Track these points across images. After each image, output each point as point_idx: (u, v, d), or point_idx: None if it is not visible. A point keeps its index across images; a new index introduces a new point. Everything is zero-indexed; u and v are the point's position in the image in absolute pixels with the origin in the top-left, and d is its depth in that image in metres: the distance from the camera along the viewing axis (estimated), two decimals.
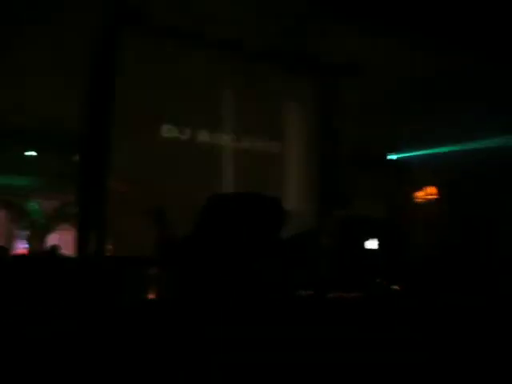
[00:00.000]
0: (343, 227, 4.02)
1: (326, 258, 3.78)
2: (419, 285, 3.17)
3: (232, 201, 3.68)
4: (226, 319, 2.86)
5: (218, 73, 7.09)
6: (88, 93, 6.28)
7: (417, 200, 9.18)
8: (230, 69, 7.14)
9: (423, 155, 8.67)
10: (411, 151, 8.93)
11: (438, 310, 2.94)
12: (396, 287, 3.40)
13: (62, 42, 6.75)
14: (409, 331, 2.88)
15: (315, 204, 4.68)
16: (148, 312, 3.77)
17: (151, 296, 4.78)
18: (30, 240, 13.16)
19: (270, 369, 2.64)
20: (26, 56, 7.09)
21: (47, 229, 13.42)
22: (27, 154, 11.00)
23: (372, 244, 3.78)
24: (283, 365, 2.69)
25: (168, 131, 6.83)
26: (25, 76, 7.51)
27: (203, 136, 7.02)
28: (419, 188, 9.22)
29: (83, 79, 6.32)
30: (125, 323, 3.02)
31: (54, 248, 5.36)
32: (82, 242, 6.00)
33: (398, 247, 4.04)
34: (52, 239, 13.38)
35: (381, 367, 2.97)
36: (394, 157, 9.19)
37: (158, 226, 3.58)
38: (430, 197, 9.06)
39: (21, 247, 12.72)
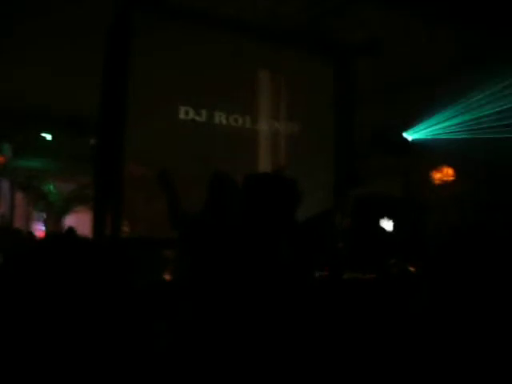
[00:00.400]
0: (358, 207, 4.01)
1: (342, 238, 3.78)
2: (435, 266, 3.16)
3: (250, 181, 3.68)
4: (242, 298, 2.88)
5: (234, 54, 7.06)
6: (103, 77, 6.30)
7: (434, 181, 9.12)
8: (245, 50, 7.10)
9: (440, 137, 8.62)
10: (428, 132, 8.87)
11: (453, 293, 2.93)
12: (412, 268, 3.40)
13: (77, 26, 6.77)
14: (422, 311, 2.88)
15: (332, 184, 4.68)
16: (163, 293, 3.80)
17: (167, 277, 4.81)
18: (46, 222, 13.30)
19: (284, 347, 2.65)
20: (43, 42, 7.13)
21: (64, 211, 13.54)
22: (44, 136, 11.06)
23: (387, 224, 3.77)
24: (297, 344, 2.71)
25: (184, 113, 6.83)
26: (44, 61, 7.55)
27: (220, 118, 7.00)
28: (437, 169, 9.15)
29: (99, 63, 6.33)
30: (140, 304, 3.05)
31: (71, 230, 5.38)
32: (98, 224, 6.05)
33: (415, 227, 4.02)
34: (69, 221, 13.50)
35: (394, 347, 2.98)
36: (411, 137, 9.13)
37: (163, 187, 3.59)
38: (447, 178, 8.99)
39: (38, 229, 12.86)
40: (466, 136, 8.21)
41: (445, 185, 8.94)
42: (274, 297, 2.94)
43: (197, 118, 6.86)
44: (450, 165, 9.00)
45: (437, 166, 9.13)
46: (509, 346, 2.78)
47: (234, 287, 2.88)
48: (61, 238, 3.73)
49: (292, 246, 3.25)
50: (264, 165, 6.05)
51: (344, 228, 3.91)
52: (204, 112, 6.91)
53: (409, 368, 2.93)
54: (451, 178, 8.98)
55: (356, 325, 3.13)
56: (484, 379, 2.81)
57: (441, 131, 8.65)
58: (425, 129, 8.87)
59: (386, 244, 3.69)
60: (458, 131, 8.37)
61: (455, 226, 3.59)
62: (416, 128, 8.97)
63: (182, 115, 6.77)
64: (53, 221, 13.39)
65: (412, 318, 2.99)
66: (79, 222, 12.91)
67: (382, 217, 3.79)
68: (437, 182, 9.10)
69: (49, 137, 11.07)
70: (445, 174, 9.04)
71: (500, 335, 2.88)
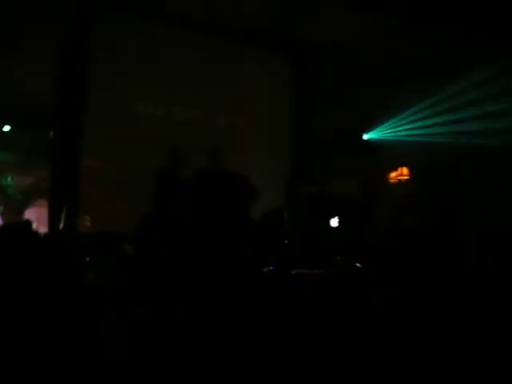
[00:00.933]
0: (307, 204, 4.10)
1: (291, 234, 3.86)
2: (381, 262, 3.27)
3: (199, 177, 3.73)
4: (196, 292, 2.93)
5: (194, 50, 7.09)
6: (61, 69, 6.26)
7: (389, 180, 9.29)
8: (206, 46, 7.14)
9: (397, 137, 8.77)
10: (385, 133, 9.01)
11: (399, 287, 3.03)
12: (358, 264, 3.49)
13: (37, 16, 6.69)
14: (369, 305, 2.98)
15: (284, 181, 4.77)
16: (118, 288, 3.81)
17: (123, 270, 4.82)
18: (5, 215, 13.09)
19: (236, 342, 2.72)
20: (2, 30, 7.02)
21: (23, 204, 13.34)
22: (2, 128, 10.89)
23: (334, 221, 3.86)
24: (248, 338, 2.77)
25: (143, 108, 6.84)
26: (4, 51, 7.43)
27: (178, 112, 7.04)
28: (392, 169, 9.32)
29: (57, 54, 6.29)
30: (90, 299, 3.07)
31: (27, 223, 5.39)
32: (53, 218, 6.02)
33: (361, 225, 4.13)
34: (28, 214, 13.31)
35: (341, 341, 3.07)
36: (368, 137, 9.27)
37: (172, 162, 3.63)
38: (401, 177, 9.17)
39: None
40: (422, 138, 8.38)
41: (399, 183, 9.12)
42: (223, 291, 2.99)
43: (154, 112, 6.89)
44: (405, 165, 9.19)
45: (393, 165, 9.30)
46: (453, 334, 2.89)
47: (182, 283, 2.93)
48: (14, 229, 3.73)
49: (242, 242, 3.31)
50: (218, 159, 6.11)
51: (292, 225, 3.99)
52: (161, 106, 6.94)
53: (354, 361, 3.00)
54: (406, 177, 9.17)
55: (305, 319, 3.20)
56: (427, 367, 2.91)
57: (398, 133, 8.81)
58: (383, 130, 9.02)
59: (333, 241, 3.78)
60: (415, 134, 8.54)
61: (400, 224, 3.73)
62: (375, 129, 9.11)
63: (140, 109, 6.79)
64: (11, 214, 13.17)
65: (361, 310, 3.08)
66: (39, 215, 12.76)
67: (330, 215, 3.89)
68: (392, 180, 9.28)
69: (7, 128, 10.90)
70: (399, 173, 9.22)
71: (447, 325, 2.98)
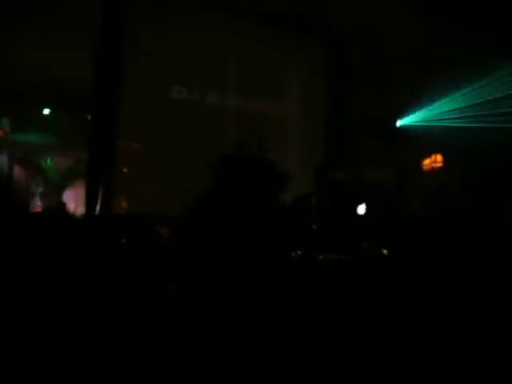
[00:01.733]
0: (336, 191, 4.15)
1: (319, 219, 3.92)
2: (408, 249, 3.31)
3: (232, 164, 3.80)
4: (225, 276, 3.03)
5: (230, 35, 7.13)
6: (99, 53, 6.38)
7: (422, 167, 9.23)
8: (241, 32, 7.18)
9: (431, 124, 8.71)
10: (419, 119, 8.96)
11: (426, 275, 3.07)
12: (385, 251, 3.54)
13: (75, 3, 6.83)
14: (394, 290, 3.03)
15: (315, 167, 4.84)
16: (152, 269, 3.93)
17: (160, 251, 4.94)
18: (44, 197, 13.40)
19: (263, 326, 2.81)
20: (41, 18, 7.17)
21: (61, 186, 13.63)
22: (43, 111, 11.13)
23: (361, 208, 3.90)
24: (275, 322, 2.87)
25: (178, 92, 6.93)
26: (40, 37, 7.59)
27: (211, 97, 7.10)
28: (426, 155, 9.25)
29: (95, 41, 6.41)
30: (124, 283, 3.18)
31: (62, 205, 5.58)
32: (90, 199, 6.18)
33: (391, 212, 4.16)
34: (67, 196, 13.61)
35: (367, 324, 3.13)
36: (402, 124, 9.22)
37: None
38: (435, 164, 9.09)
39: (36, 203, 12.96)
40: (459, 124, 8.30)
41: (433, 171, 9.05)
42: (252, 277, 3.06)
43: (189, 98, 6.98)
44: (440, 152, 9.10)
45: (427, 152, 9.23)
46: (478, 325, 2.93)
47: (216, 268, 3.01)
48: (51, 213, 3.85)
49: (270, 227, 3.39)
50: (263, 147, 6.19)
51: (320, 210, 4.05)
52: (197, 92, 7.02)
53: (384, 349, 3.06)
54: (439, 165, 9.09)
55: (332, 304, 3.27)
56: (456, 360, 2.94)
57: (434, 119, 8.75)
58: (417, 116, 8.96)
59: (360, 227, 3.83)
60: (452, 118, 8.46)
61: (428, 213, 3.75)
62: (408, 115, 9.06)
63: (174, 94, 6.89)
64: (51, 196, 13.48)
65: (386, 296, 3.12)
66: (77, 196, 13.04)
67: (359, 201, 3.94)
68: (426, 168, 9.21)
69: (47, 111, 11.13)
70: (433, 161, 9.14)
71: (472, 317, 3.00)
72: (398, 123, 9.28)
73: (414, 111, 8.98)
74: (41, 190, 13.46)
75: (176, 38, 6.71)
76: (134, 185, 6.54)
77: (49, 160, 13.36)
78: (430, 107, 8.69)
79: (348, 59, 7.82)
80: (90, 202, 6.17)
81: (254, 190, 3.12)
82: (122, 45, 6.44)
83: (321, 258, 3.41)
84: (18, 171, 13.66)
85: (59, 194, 13.53)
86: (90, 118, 8.71)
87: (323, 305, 3.10)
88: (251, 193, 3.10)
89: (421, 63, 8.07)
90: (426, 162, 9.23)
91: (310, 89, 7.72)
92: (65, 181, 13.56)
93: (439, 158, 9.11)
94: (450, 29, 7.50)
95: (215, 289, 2.89)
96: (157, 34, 6.60)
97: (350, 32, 7.64)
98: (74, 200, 13.12)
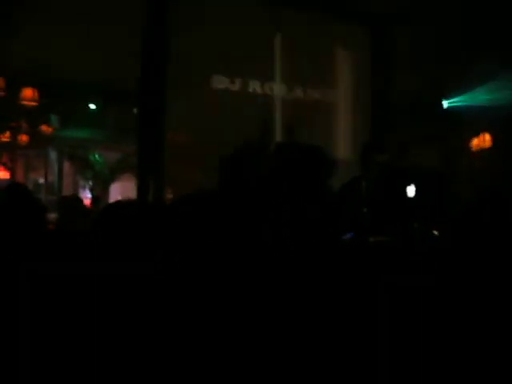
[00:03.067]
0: (385, 174, 4.17)
1: (368, 203, 3.95)
2: (458, 231, 3.30)
3: (280, 150, 3.85)
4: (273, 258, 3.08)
5: (268, 21, 7.13)
6: (143, 48, 6.49)
7: (470, 148, 9.10)
8: (280, 17, 7.18)
9: (477, 104, 8.58)
10: (465, 100, 8.83)
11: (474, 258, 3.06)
12: (436, 233, 3.54)
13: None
14: (443, 275, 3.03)
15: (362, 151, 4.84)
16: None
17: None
18: (93, 190, 13.73)
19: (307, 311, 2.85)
20: (85, 12, 7.32)
21: (110, 179, 13.95)
22: (89, 106, 11.38)
23: (411, 190, 3.91)
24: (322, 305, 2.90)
25: (219, 82, 7.00)
26: (86, 31, 7.75)
27: (254, 86, 7.14)
28: (473, 136, 9.12)
29: (138, 36, 6.51)
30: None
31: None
32: (142, 191, 6.32)
33: (440, 194, 4.15)
34: (115, 189, 13.93)
35: (419, 309, 3.14)
36: (448, 104, 9.11)
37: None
38: (483, 145, 8.95)
39: (86, 197, 13.31)
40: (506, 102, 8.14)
41: (482, 151, 8.91)
42: (305, 260, 3.10)
43: (230, 87, 7.03)
44: (489, 132, 8.95)
45: (475, 133, 9.09)
46: None
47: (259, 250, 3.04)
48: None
49: (322, 211, 3.43)
50: (295, 133, 6.21)
51: (369, 194, 4.07)
52: (238, 81, 7.06)
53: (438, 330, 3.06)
54: (488, 145, 8.94)
55: (380, 285, 3.27)
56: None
57: (480, 98, 8.61)
58: (464, 96, 8.84)
59: (409, 209, 3.84)
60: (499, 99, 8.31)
61: (481, 194, 3.71)
62: (455, 95, 8.94)
63: (216, 84, 6.95)
64: (99, 188, 13.81)
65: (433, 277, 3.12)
66: (124, 189, 13.31)
67: (408, 183, 3.94)
68: (474, 148, 9.07)
69: (93, 106, 11.37)
70: (481, 141, 9.00)
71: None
72: (445, 104, 9.17)
73: (461, 92, 8.86)
74: (90, 183, 13.82)
75: (217, 25, 6.74)
76: (181, 177, 6.65)
77: (97, 154, 13.69)
78: (476, 89, 8.56)
79: (393, 43, 7.73)
80: (141, 194, 6.30)
81: (305, 177, 3.16)
82: (167, 38, 6.52)
83: (371, 240, 3.44)
84: (67, 166, 14.04)
85: (106, 187, 13.86)
86: (136, 111, 8.89)
87: (372, 287, 3.11)
88: (303, 179, 3.14)
89: (467, 44, 7.92)
90: (475, 142, 9.10)
91: (357, 74, 7.67)
92: (112, 174, 13.88)
93: (487, 137, 8.97)
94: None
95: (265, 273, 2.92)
96: (196, 26, 6.65)
97: (396, 13, 7.52)
98: (120, 193, 13.43)
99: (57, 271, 2.22)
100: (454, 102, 9.06)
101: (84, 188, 14.17)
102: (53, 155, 13.99)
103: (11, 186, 3.50)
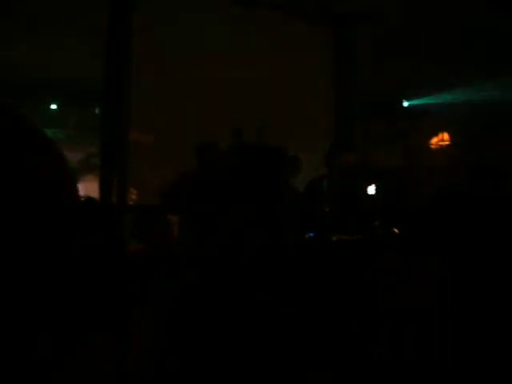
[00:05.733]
0: (345, 173, 4.23)
1: (329, 202, 4.01)
2: (417, 228, 3.39)
3: (239, 152, 3.88)
4: (235, 260, 3.12)
5: (230, 19, 7.13)
6: (106, 45, 6.42)
7: (428, 146, 9.28)
8: (241, 16, 7.18)
9: (435, 103, 8.74)
10: (424, 98, 8.99)
11: (434, 253, 3.15)
12: (395, 230, 3.62)
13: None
14: (404, 270, 3.12)
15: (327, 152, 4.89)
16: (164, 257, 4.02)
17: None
18: None
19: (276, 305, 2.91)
20: (47, 14, 7.23)
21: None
22: (50, 106, 11.22)
23: (372, 189, 3.98)
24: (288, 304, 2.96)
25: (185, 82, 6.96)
26: (44, 29, 7.65)
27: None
28: (431, 135, 9.29)
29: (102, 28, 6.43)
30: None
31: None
32: (104, 192, 6.26)
33: (400, 192, 4.24)
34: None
35: (379, 306, 3.22)
36: (406, 104, 9.27)
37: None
38: (442, 143, 9.13)
39: None
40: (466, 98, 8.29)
41: (440, 150, 9.09)
42: (267, 258, 3.14)
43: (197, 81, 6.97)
44: (447, 131, 9.13)
45: (434, 131, 9.27)
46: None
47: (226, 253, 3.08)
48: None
49: (283, 211, 3.48)
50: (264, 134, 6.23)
51: (332, 192, 4.14)
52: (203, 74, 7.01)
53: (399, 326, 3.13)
54: (446, 143, 9.13)
55: (347, 283, 3.34)
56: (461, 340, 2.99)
57: (440, 97, 8.77)
58: (424, 95, 9.00)
59: (370, 207, 3.92)
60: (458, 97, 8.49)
61: (438, 191, 3.82)
62: (415, 94, 9.10)
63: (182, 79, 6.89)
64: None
65: (396, 275, 3.20)
66: (87, 190, 13.15)
67: (369, 182, 4.02)
68: (433, 147, 9.25)
69: (54, 106, 11.21)
70: (440, 139, 9.18)
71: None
72: (405, 103, 9.32)
73: (419, 91, 9.01)
74: None
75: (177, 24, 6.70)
76: (143, 177, 6.61)
77: None
78: (435, 86, 8.72)
79: (354, 44, 7.82)
80: (104, 195, 6.24)
81: (263, 177, 3.20)
82: (130, 38, 6.47)
83: (334, 239, 3.50)
84: None
85: None
86: (97, 111, 8.79)
87: (336, 285, 3.19)
88: (262, 179, 3.19)
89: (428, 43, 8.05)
90: (434, 140, 9.28)
91: (319, 75, 7.73)
92: (75, 175, 13.67)
93: (446, 136, 9.16)
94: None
95: (226, 276, 2.97)
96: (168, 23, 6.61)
97: (358, 15, 7.60)
98: (83, 194, 13.25)
99: None
100: (414, 102, 9.22)
101: None
102: None
103: None
